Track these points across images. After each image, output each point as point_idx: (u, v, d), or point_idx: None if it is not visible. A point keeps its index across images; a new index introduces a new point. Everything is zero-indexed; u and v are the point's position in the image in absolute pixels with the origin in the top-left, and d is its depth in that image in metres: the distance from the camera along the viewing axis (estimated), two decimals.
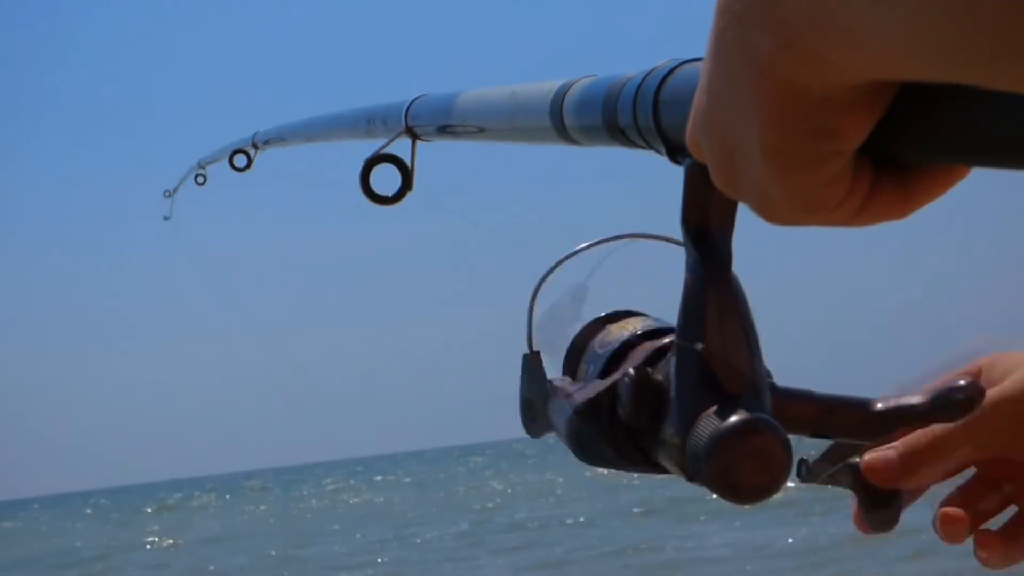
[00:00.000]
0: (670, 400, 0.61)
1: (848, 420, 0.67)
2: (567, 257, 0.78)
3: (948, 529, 0.85)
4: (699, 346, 0.58)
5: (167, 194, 5.11)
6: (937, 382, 0.74)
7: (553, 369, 0.77)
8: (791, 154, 0.43)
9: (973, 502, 0.87)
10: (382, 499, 34.63)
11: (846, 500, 0.84)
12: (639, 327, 0.71)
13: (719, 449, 0.54)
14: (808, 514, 14.12)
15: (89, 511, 55.71)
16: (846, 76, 0.38)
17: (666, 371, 0.63)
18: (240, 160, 3.00)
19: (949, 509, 0.86)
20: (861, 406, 0.67)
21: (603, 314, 0.75)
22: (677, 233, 0.64)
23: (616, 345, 0.70)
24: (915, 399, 0.66)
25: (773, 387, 0.63)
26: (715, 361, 0.58)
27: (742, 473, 0.55)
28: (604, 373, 0.70)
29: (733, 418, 0.55)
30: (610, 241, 0.78)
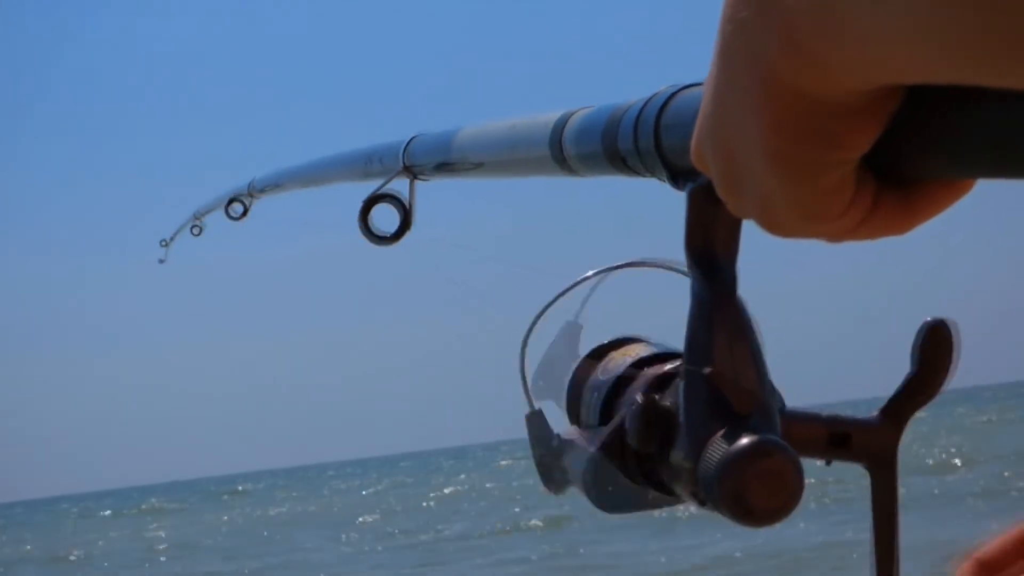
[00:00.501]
0: (679, 426, 0.60)
1: (858, 441, 0.67)
2: (560, 295, 0.78)
3: None
4: (707, 370, 0.59)
5: (163, 243, 5.12)
6: None
7: (559, 412, 0.77)
8: (795, 161, 0.43)
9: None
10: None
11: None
12: (641, 352, 0.71)
13: (731, 472, 0.54)
14: None
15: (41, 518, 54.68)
16: (851, 81, 0.38)
17: (674, 397, 0.63)
18: (236, 209, 3.00)
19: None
20: (871, 427, 0.67)
21: (605, 342, 0.75)
22: (680, 258, 0.65)
23: (619, 371, 0.70)
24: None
25: (782, 409, 0.63)
26: (724, 384, 0.58)
27: (755, 496, 0.55)
28: (608, 400, 0.69)
29: (744, 440, 0.55)
30: (613, 271, 0.78)
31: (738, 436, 0.56)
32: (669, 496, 0.65)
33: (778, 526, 0.58)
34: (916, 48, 0.33)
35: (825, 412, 0.68)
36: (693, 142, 0.51)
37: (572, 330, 0.80)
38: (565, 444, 0.73)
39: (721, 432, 0.57)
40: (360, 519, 26.41)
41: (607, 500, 0.68)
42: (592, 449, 0.67)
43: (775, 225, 0.49)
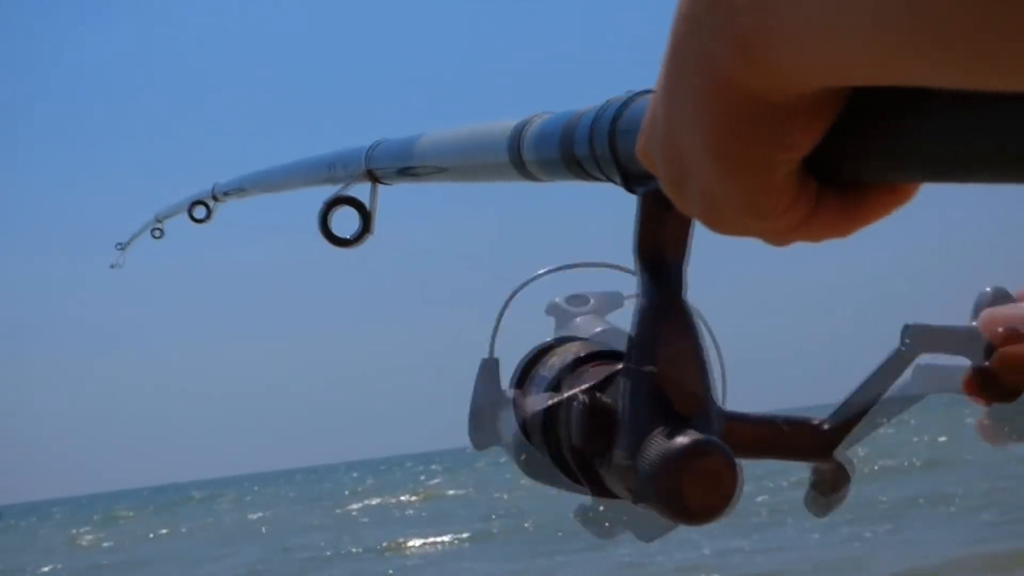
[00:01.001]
0: (619, 424, 0.61)
1: (797, 441, 0.69)
2: (528, 282, 0.79)
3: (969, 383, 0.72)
4: (650, 369, 0.60)
5: (119, 246, 5.02)
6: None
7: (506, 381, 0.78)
8: (738, 159, 0.44)
9: None
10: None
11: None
12: (584, 351, 0.72)
13: (668, 469, 0.56)
14: None
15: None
16: (796, 81, 0.39)
17: (615, 395, 0.64)
18: (199, 212, 2.98)
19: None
20: (809, 426, 0.69)
21: (549, 340, 0.76)
22: (629, 262, 0.66)
23: (560, 367, 0.71)
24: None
25: (723, 411, 0.64)
26: (666, 384, 0.60)
27: (691, 494, 0.56)
28: (550, 408, 0.70)
29: (682, 439, 0.56)
30: (567, 268, 0.79)
31: (677, 435, 0.57)
32: (602, 492, 0.66)
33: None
34: (857, 48, 0.34)
35: (769, 414, 0.69)
36: (640, 139, 0.53)
37: (490, 367, 0.80)
38: (507, 403, 0.74)
39: (660, 431, 0.58)
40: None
41: (531, 469, 0.69)
42: (528, 413, 0.68)
43: (717, 222, 0.50)
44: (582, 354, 0.71)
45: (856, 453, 0.70)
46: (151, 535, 28.79)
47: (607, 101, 0.69)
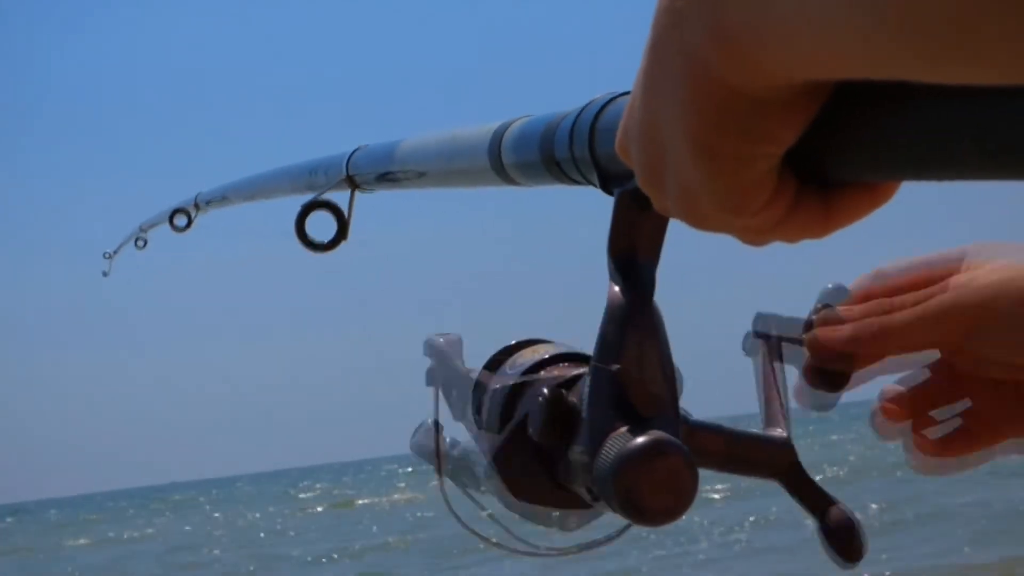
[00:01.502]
0: (582, 422, 0.60)
1: (755, 455, 0.69)
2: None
3: (883, 424, 0.78)
4: (615, 367, 0.59)
5: (107, 255, 5.02)
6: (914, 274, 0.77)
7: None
8: (719, 153, 0.43)
9: (917, 401, 0.79)
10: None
11: None
12: (548, 352, 0.71)
13: (625, 468, 0.55)
14: None
15: None
16: (778, 75, 0.38)
17: (580, 394, 0.63)
18: (180, 220, 2.96)
19: (889, 404, 0.79)
20: (768, 442, 0.69)
21: (512, 343, 0.74)
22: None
23: (525, 368, 0.69)
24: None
25: (686, 419, 0.64)
26: (629, 384, 0.59)
27: (647, 494, 0.55)
28: (511, 398, 0.69)
29: (641, 438, 0.56)
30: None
31: (636, 434, 0.56)
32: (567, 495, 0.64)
33: None
34: (840, 41, 0.33)
35: (728, 426, 0.69)
36: (619, 133, 0.52)
37: (454, 345, 0.78)
38: (467, 452, 0.72)
39: (621, 429, 0.57)
40: None
41: (515, 501, 0.67)
42: (489, 456, 0.66)
43: (695, 217, 0.49)
44: (549, 354, 0.70)
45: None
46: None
47: (588, 102, 0.68)
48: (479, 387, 0.72)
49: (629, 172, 0.54)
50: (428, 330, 0.78)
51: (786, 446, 0.68)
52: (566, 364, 0.68)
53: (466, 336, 0.77)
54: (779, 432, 0.69)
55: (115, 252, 5.07)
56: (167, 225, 3.08)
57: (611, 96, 0.65)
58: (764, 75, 0.39)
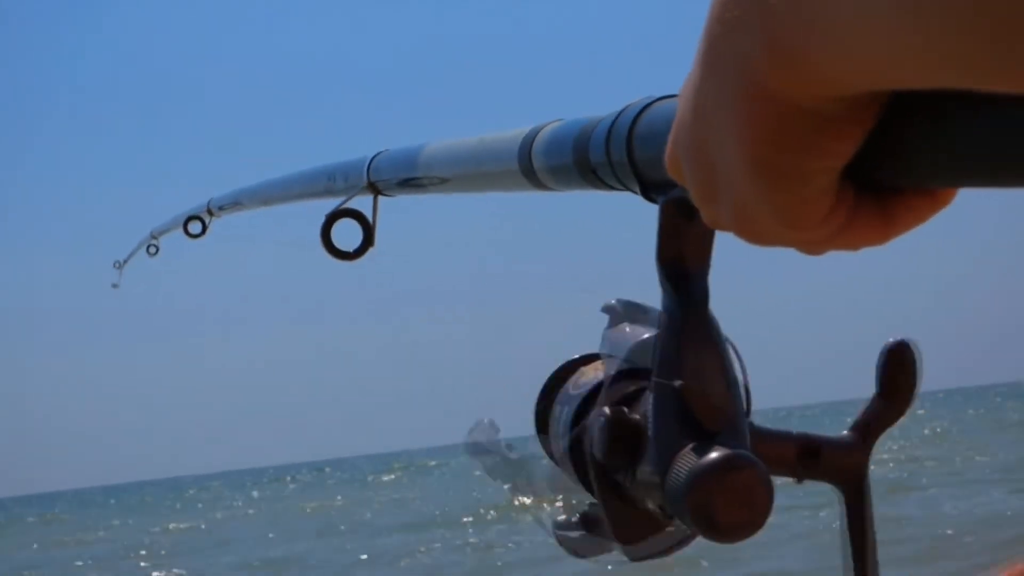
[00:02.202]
0: (647, 439, 0.60)
1: (828, 460, 0.67)
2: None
3: None
4: (677, 383, 0.58)
5: (117, 265, 5.02)
6: None
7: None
8: (777, 169, 0.42)
9: None
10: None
11: None
12: (613, 368, 0.69)
13: (698, 486, 0.54)
14: None
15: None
16: (836, 87, 0.38)
17: (643, 410, 0.62)
18: (195, 227, 2.97)
19: None
20: (841, 445, 0.68)
21: (575, 357, 0.74)
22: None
23: (591, 385, 0.69)
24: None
25: (752, 426, 0.63)
26: (693, 399, 0.58)
27: (722, 510, 0.55)
28: (578, 414, 0.68)
29: (712, 455, 0.55)
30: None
31: (707, 450, 0.55)
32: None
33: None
34: (899, 49, 0.32)
35: (795, 431, 0.68)
36: (668, 148, 0.50)
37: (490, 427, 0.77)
38: (525, 456, 0.72)
39: (690, 447, 0.56)
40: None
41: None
42: (550, 459, 0.66)
43: (753, 233, 0.48)
44: (611, 372, 0.69)
45: None
46: None
47: (626, 107, 0.67)
48: (547, 391, 0.72)
49: (672, 180, 0.53)
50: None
51: (855, 453, 0.67)
52: (629, 379, 0.67)
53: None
54: (853, 436, 0.68)
55: (125, 261, 5.07)
56: (180, 231, 3.09)
57: (649, 100, 0.64)
58: (823, 87, 0.38)
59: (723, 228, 0.51)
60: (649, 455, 0.59)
